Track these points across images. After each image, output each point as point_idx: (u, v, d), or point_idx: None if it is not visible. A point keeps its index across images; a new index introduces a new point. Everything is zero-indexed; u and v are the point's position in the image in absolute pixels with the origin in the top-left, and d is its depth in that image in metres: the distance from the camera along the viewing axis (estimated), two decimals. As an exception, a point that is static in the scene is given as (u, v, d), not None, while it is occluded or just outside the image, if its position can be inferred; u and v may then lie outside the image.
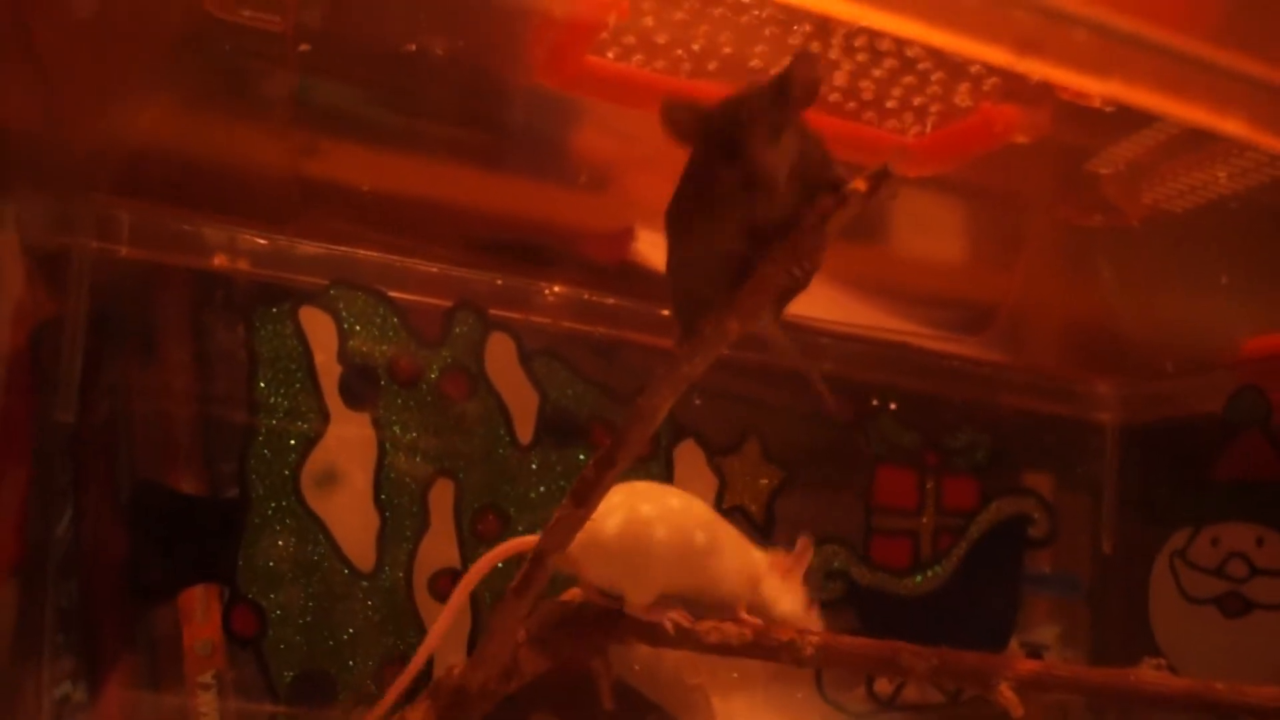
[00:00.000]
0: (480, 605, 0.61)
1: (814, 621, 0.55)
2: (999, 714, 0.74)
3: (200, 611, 0.59)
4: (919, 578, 0.72)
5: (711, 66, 0.59)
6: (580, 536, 0.50)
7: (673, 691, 0.65)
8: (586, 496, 0.50)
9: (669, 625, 0.53)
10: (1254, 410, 0.70)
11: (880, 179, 0.42)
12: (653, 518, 0.54)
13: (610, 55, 0.58)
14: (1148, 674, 0.51)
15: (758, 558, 0.55)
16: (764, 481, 0.69)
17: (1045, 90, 0.58)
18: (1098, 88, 0.43)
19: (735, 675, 0.66)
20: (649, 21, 0.56)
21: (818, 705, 0.68)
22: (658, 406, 0.47)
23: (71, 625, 0.57)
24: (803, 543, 0.56)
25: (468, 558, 0.61)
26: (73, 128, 0.59)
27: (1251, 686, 0.51)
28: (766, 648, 0.54)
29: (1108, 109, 0.57)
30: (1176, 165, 0.66)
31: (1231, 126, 0.45)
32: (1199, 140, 0.63)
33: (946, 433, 0.74)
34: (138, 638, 0.59)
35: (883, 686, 0.69)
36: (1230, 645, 0.69)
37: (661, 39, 0.57)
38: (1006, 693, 0.51)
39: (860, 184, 0.42)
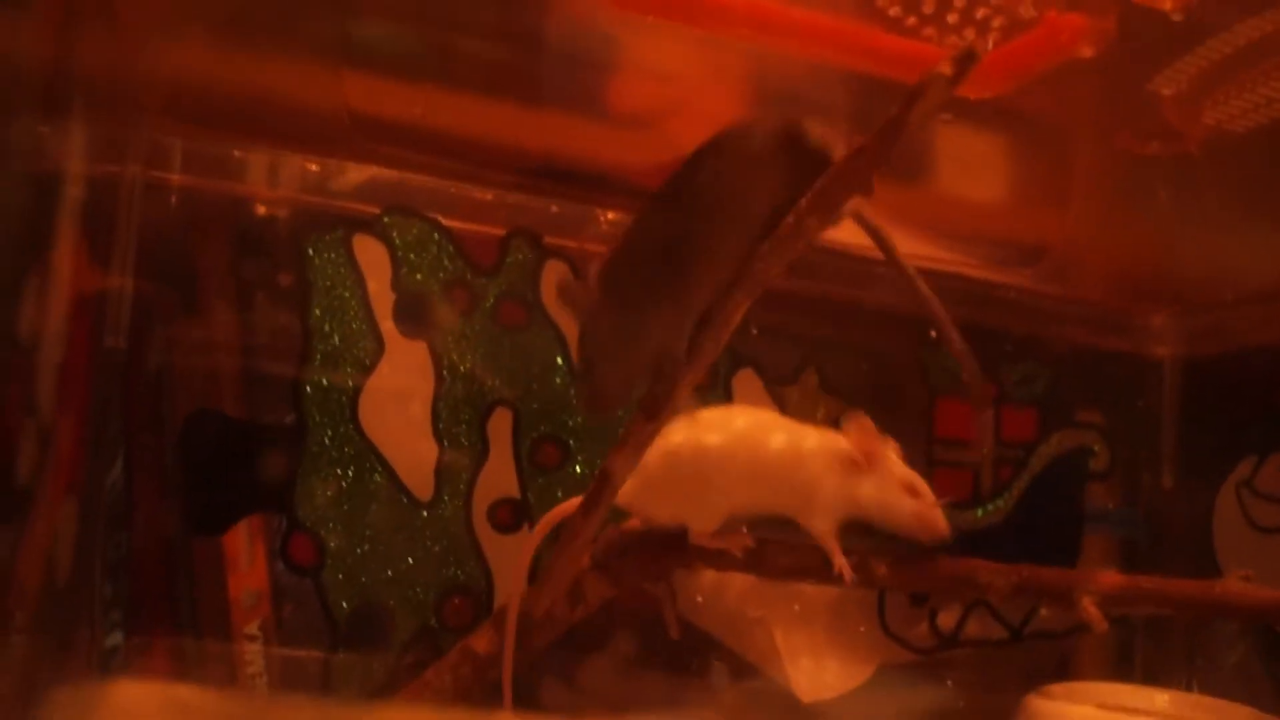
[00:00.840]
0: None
1: (927, 494, 0.51)
2: (1058, 652, 0.73)
3: (246, 561, 0.58)
4: (980, 511, 0.70)
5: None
6: (632, 480, 0.49)
7: (735, 625, 0.63)
8: (657, 410, 0.48)
9: (737, 550, 0.52)
10: (1322, 333, 0.69)
11: (966, 61, 0.41)
12: (707, 444, 0.52)
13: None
14: (1235, 585, 0.50)
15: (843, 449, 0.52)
16: (822, 411, 0.67)
17: (1112, -1, 0.56)
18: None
19: (797, 608, 0.65)
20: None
21: (879, 639, 0.67)
22: (731, 313, 0.46)
23: (121, 576, 0.56)
24: (857, 421, 0.52)
25: (527, 487, 0.60)
26: (129, 55, 0.58)
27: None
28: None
29: (1177, 17, 0.56)
30: (1240, 82, 0.65)
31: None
32: (1262, 53, 0.62)
33: (1005, 364, 0.73)
34: (184, 588, 0.58)
35: (945, 621, 0.68)
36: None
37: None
38: (1090, 608, 0.50)
39: (945, 66, 0.41)
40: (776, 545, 0.54)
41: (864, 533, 0.66)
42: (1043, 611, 0.71)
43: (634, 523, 0.57)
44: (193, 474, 0.56)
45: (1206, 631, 0.73)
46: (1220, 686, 0.64)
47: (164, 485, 0.57)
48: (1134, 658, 0.76)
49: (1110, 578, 0.51)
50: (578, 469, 0.61)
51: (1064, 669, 0.73)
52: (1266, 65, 0.63)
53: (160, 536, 0.58)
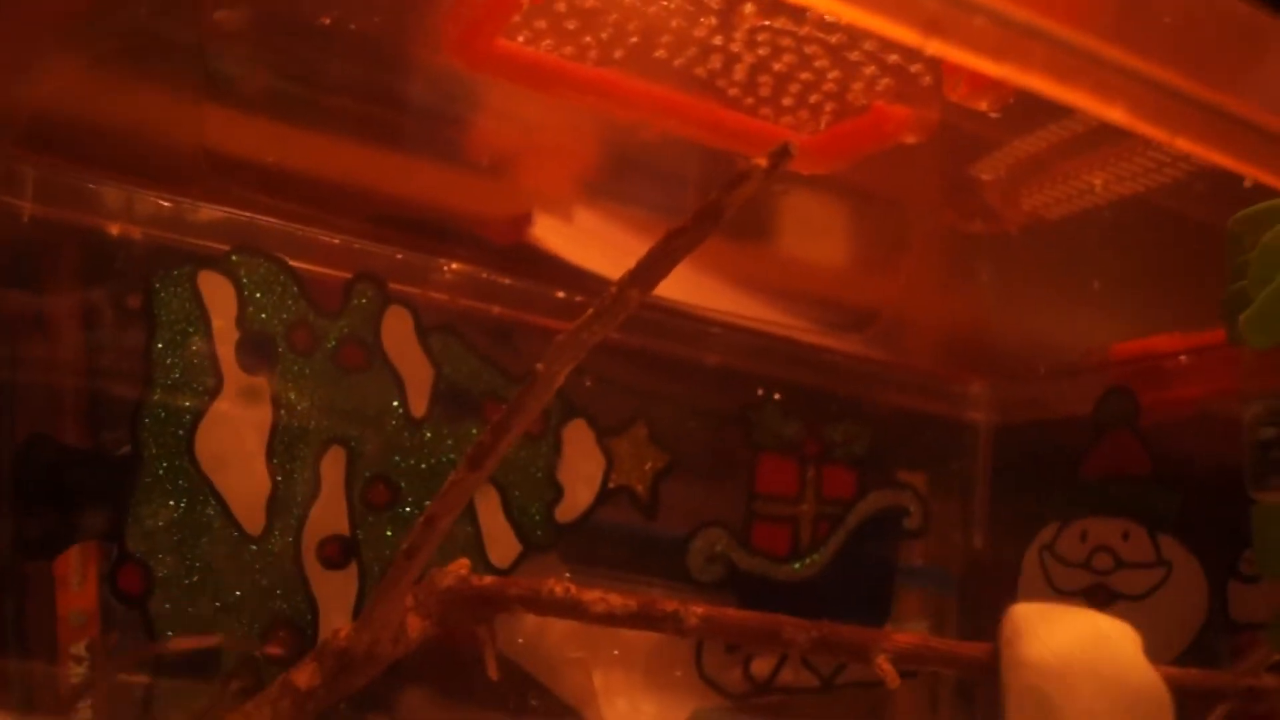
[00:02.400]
0: (368, 574, 0.62)
1: None
2: (867, 702, 0.77)
3: (76, 580, 0.59)
4: (798, 564, 0.74)
5: (618, 55, 0.60)
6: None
7: (555, 665, 0.66)
8: (481, 461, 0.51)
9: (557, 589, 0.55)
10: (1122, 410, 0.73)
11: (780, 156, 0.44)
12: None
13: (521, 39, 0.60)
14: (1017, 649, 0.54)
15: None
16: (649, 465, 0.70)
17: (934, 93, 0.60)
18: (994, 70, 0.46)
19: (616, 652, 0.67)
20: (561, 7, 0.57)
21: (695, 684, 0.69)
22: (556, 372, 0.49)
23: None
24: None
25: (357, 525, 0.62)
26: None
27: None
28: (652, 618, 0.55)
29: (993, 114, 0.60)
30: (1054, 172, 0.70)
31: (1114, 115, 0.48)
32: (1077, 147, 0.66)
33: (828, 424, 0.76)
34: (11, 608, 0.58)
35: (759, 668, 0.71)
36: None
37: (572, 25, 0.59)
38: (884, 665, 0.53)
39: (761, 160, 0.44)
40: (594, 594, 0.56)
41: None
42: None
43: (461, 563, 0.59)
44: (25, 498, 0.57)
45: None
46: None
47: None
48: (941, 713, 0.80)
49: (903, 637, 0.54)
50: (406, 509, 0.63)
51: (874, 718, 0.77)
52: (1078, 160, 0.68)
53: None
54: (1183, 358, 0.73)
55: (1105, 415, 0.74)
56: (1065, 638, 0.49)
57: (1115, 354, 0.76)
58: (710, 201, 0.45)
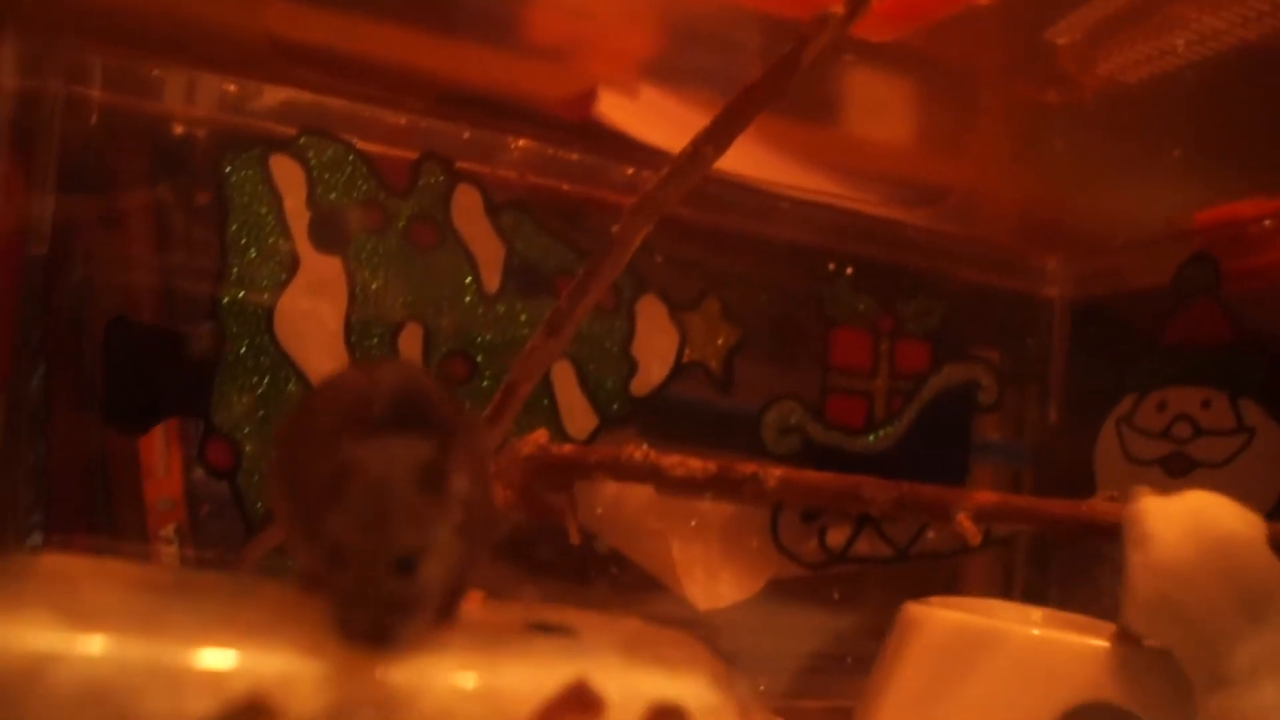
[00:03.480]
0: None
1: None
2: (942, 573, 0.77)
3: (161, 469, 0.60)
4: (872, 437, 0.74)
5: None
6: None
7: (634, 536, 0.66)
8: (558, 327, 0.51)
9: (636, 454, 0.55)
10: (1203, 278, 0.72)
11: (858, 2, 0.43)
12: None
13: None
14: (1101, 504, 0.53)
15: None
16: (721, 340, 0.70)
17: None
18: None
19: (693, 524, 0.67)
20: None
21: (771, 554, 0.70)
22: (632, 235, 0.49)
23: (40, 480, 0.58)
24: None
25: (436, 400, 0.62)
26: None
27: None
28: (730, 481, 0.56)
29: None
30: (1134, 33, 0.68)
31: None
32: (1154, 7, 0.65)
33: (900, 299, 0.76)
34: (102, 493, 0.59)
35: (834, 538, 0.71)
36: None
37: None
38: (965, 522, 0.53)
39: (838, 5, 0.43)
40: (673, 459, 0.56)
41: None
42: (929, 534, 0.74)
43: (540, 434, 0.59)
44: (113, 379, 0.58)
45: (1087, 562, 0.76)
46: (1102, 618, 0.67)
47: (83, 392, 0.59)
48: (1016, 583, 0.80)
49: (984, 495, 0.54)
50: (484, 383, 0.63)
51: (949, 589, 0.77)
52: (1157, 19, 0.66)
53: (79, 442, 0.59)
54: (1267, 222, 0.71)
55: (1185, 284, 0.73)
56: (1198, 540, 0.48)
57: (1196, 222, 0.75)
58: (786, 54, 0.45)
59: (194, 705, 0.28)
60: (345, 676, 0.29)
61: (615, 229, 0.49)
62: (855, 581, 0.73)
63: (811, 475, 0.56)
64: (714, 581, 0.68)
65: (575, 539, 0.59)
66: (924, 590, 0.61)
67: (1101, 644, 0.49)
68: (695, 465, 0.56)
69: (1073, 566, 0.77)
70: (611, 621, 0.37)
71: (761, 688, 0.69)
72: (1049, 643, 0.51)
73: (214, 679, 0.28)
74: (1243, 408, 0.69)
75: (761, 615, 0.70)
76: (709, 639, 0.68)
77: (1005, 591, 0.79)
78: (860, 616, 0.73)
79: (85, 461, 0.59)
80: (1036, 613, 0.63)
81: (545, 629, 0.34)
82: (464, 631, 0.32)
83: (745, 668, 0.69)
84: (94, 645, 0.28)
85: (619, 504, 0.65)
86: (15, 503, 0.57)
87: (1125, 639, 0.48)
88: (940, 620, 0.54)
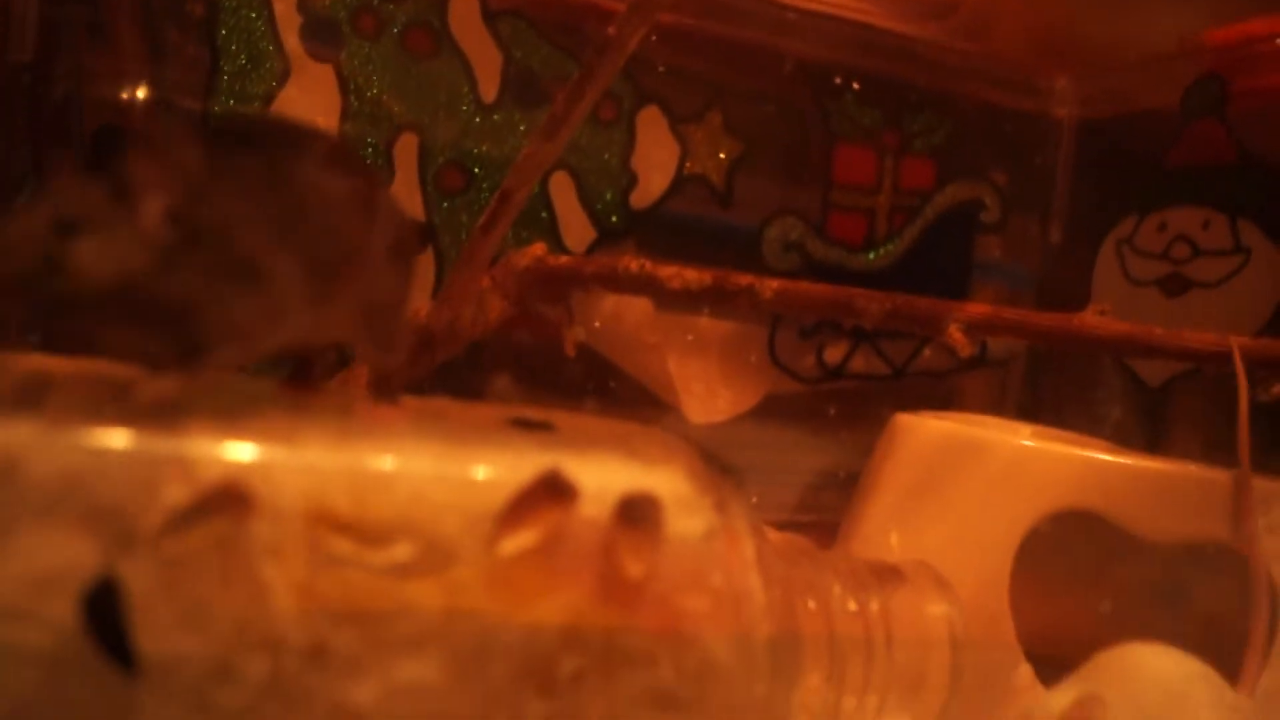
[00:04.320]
0: (445, 259, 0.62)
1: None
2: (939, 391, 0.78)
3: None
4: (873, 254, 0.73)
5: None
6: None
7: (631, 350, 0.67)
8: (554, 131, 0.50)
9: (633, 265, 0.55)
10: (1210, 98, 0.71)
11: None
12: None
13: None
14: (1091, 318, 0.54)
15: None
16: (723, 154, 0.69)
17: None
18: None
19: (690, 338, 0.68)
20: None
21: (769, 369, 0.70)
22: (629, 36, 0.48)
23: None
24: None
25: (432, 211, 0.62)
26: None
27: (1189, 332, 0.54)
28: (727, 292, 0.56)
29: None
30: None
31: None
32: None
33: (907, 114, 0.75)
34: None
35: (832, 355, 0.72)
36: (1168, 323, 0.71)
37: None
38: (956, 334, 0.53)
39: None
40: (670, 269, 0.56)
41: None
42: (926, 352, 0.74)
43: (538, 246, 0.59)
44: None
45: (1084, 384, 0.77)
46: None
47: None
48: (1010, 403, 0.81)
49: (976, 307, 0.54)
50: (482, 194, 0.63)
51: (946, 408, 0.77)
52: None
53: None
54: (1279, 40, 0.70)
55: (1192, 105, 0.72)
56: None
57: (1208, 40, 0.73)
58: None
59: (170, 494, 0.28)
60: (320, 463, 0.29)
61: (610, 30, 0.48)
62: (852, 399, 0.74)
63: (807, 286, 0.56)
64: (711, 396, 0.69)
65: (571, 351, 0.59)
66: (920, 408, 0.62)
67: (1082, 453, 0.50)
68: (691, 276, 0.56)
69: (1067, 388, 0.78)
70: (596, 420, 0.38)
71: (755, 500, 0.70)
72: (1030, 451, 0.51)
73: (188, 467, 0.29)
74: (1241, 229, 0.68)
75: (758, 431, 0.71)
76: (715, 453, 0.70)
77: (1000, 411, 0.79)
78: (856, 433, 0.73)
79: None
80: (1026, 428, 0.64)
81: (525, 424, 0.34)
82: (443, 423, 0.33)
83: (741, 482, 0.70)
84: (68, 438, 0.28)
85: (616, 318, 0.66)
86: (8, 323, 0.58)
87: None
88: (926, 428, 0.55)
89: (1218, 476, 0.51)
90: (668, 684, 0.32)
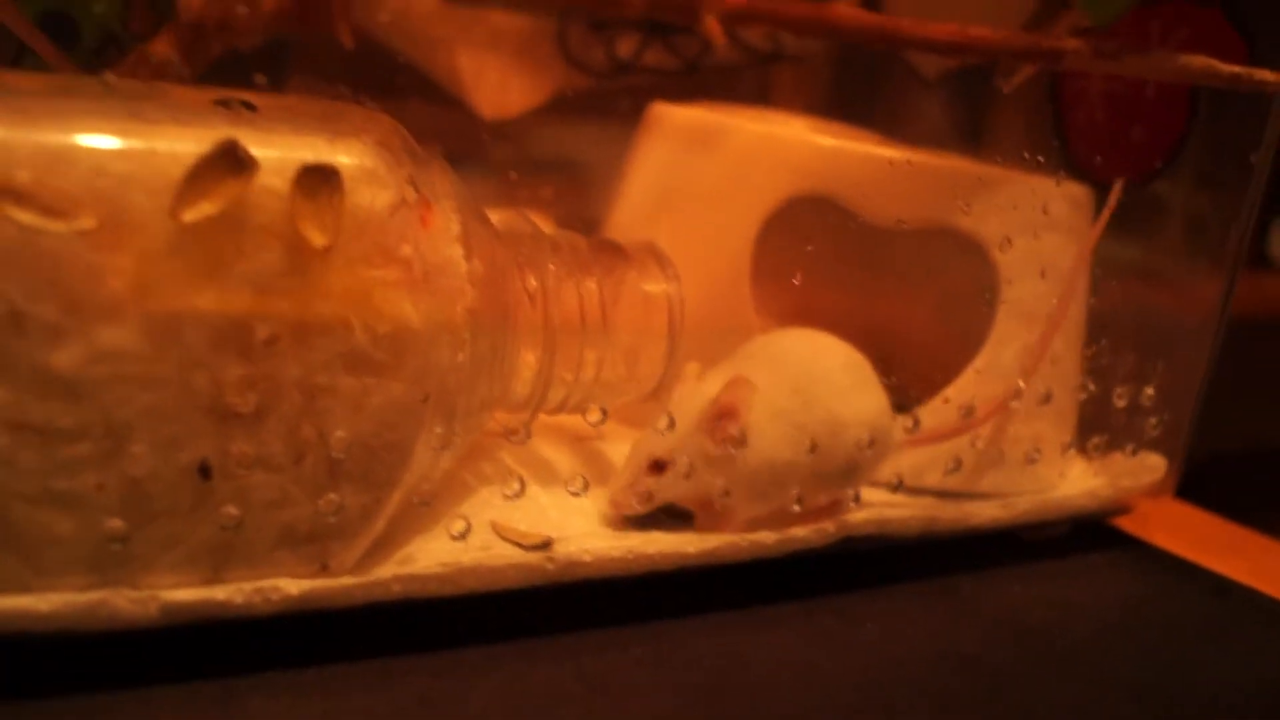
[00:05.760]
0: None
1: None
2: (733, 88, 0.79)
3: None
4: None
5: None
6: None
7: (422, 45, 0.67)
8: None
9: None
10: None
11: None
12: None
13: None
14: (843, 8, 0.55)
15: None
16: None
17: None
18: None
19: (481, 33, 0.68)
20: None
21: (559, 63, 0.71)
22: None
23: None
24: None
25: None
26: None
27: (934, 23, 0.55)
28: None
29: None
30: None
31: None
32: None
33: None
34: None
35: (623, 49, 0.72)
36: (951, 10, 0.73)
37: None
38: (712, 24, 0.55)
39: None
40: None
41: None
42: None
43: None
44: None
45: (877, 80, 0.79)
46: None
47: None
48: (815, 101, 0.83)
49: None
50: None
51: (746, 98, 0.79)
52: None
53: None
54: None
55: None
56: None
57: None
58: None
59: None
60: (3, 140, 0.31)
61: None
62: (648, 94, 0.75)
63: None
64: (502, 91, 0.70)
65: (348, 42, 0.60)
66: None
67: (822, 140, 0.53)
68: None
69: (861, 84, 0.80)
70: (306, 101, 0.39)
71: (545, 194, 0.72)
72: (771, 137, 0.54)
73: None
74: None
75: (552, 127, 0.72)
76: (507, 150, 0.71)
77: (804, 108, 0.81)
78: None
79: None
80: (800, 122, 0.66)
81: (225, 104, 0.36)
82: (136, 99, 0.34)
83: (534, 177, 0.72)
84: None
85: (405, 13, 0.66)
86: None
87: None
88: (675, 116, 0.57)
89: (943, 163, 0.54)
90: (361, 348, 0.35)
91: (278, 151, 0.33)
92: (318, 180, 0.33)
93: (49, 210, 0.31)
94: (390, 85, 0.67)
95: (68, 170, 0.31)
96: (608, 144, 0.74)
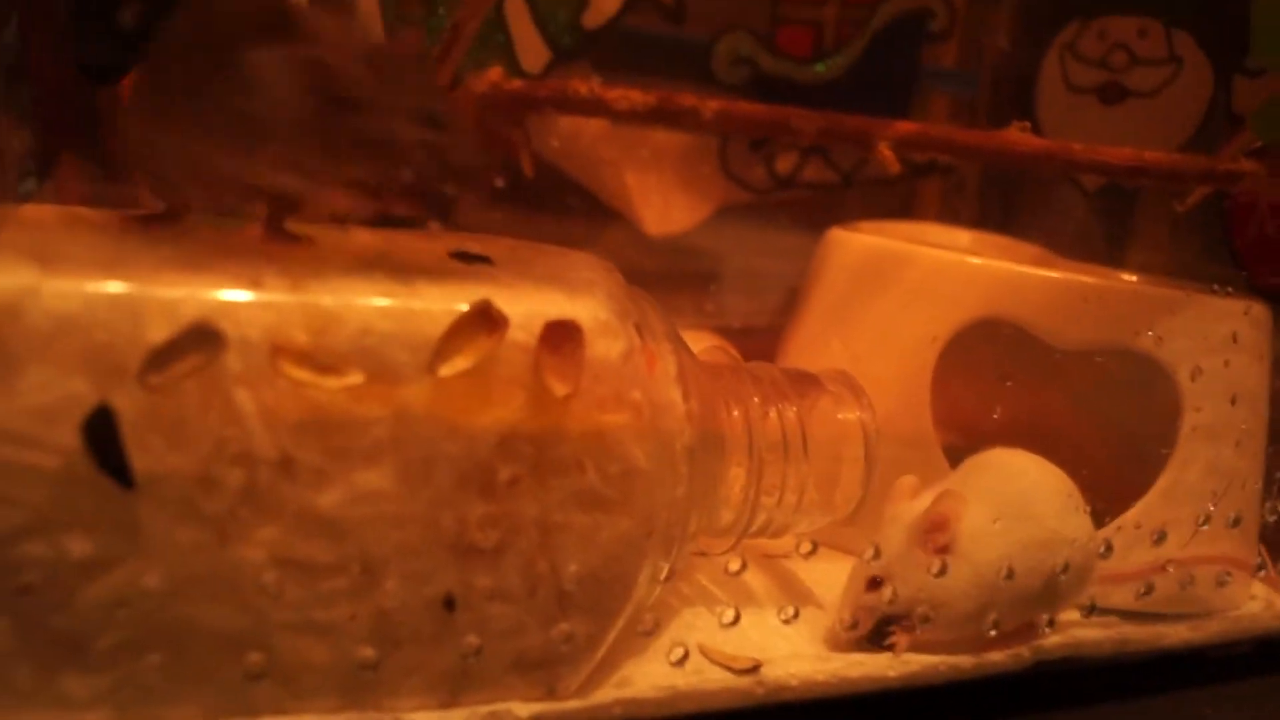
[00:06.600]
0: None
1: None
2: (888, 198, 0.81)
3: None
4: (821, 66, 0.76)
5: None
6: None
7: (590, 166, 0.70)
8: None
9: (582, 88, 0.58)
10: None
11: None
12: None
13: None
14: (1013, 134, 0.57)
15: None
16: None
17: None
18: None
19: (645, 153, 0.71)
20: None
21: (721, 181, 0.74)
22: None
23: (27, 125, 0.60)
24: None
25: (392, 35, 0.65)
26: None
27: (1106, 146, 0.57)
28: (671, 112, 0.59)
29: None
30: None
31: None
32: None
33: (852, -75, 0.76)
34: (91, 137, 0.62)
35: (782, 165, 0.75)
36: (1104, 130, 0.74)
37: None
38: (885, 151, 0.57)
39: None
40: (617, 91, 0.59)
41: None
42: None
43: (494, 72, 0.62)
44: (85, 32, 0.60)
45: (1030, 190, 0.80)
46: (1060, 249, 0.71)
47: (60, 39, 0.61)
48: (963, 209, 0.84)
49: (904, 125, 0.57)
50: (439, 20, 0.65)
51: (900, 216, 0.81)
52: None
53: (60, 88, 0.61)
54: None
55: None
56: None
57: None
58: None
59: (153, 333, 0.33)
60: (279, 302, 0.34)
61: None
62: (805, 208, 0.77)
63: (746, 106, 0.59)
64: (666, 208, 0.72)
65: (529, 172, 0.63)
66: (872, 216, 0.65)
67: (997, 264, 0.54)
68: (637, 97, 0.59)
69: (1014, 194, 0.81)
70: (531, 248, 0.42)
71: (709, 307, 0.74)
72: (947, 263, 0.55)
73: (168, 309, 0.33)
74: (1175, 37, 0.71)
75: (714, 240, 0.74)
76: (672, 263, 0.73)
77: (953, 217, 0.83)
78: (808, 241, 0.77)
79: (71, 106, 0.62)
80: (965, 235, 0.67)
81: (464, 257, 0.38)
82: (388, 260, 0.37)
83: (698, 290, 0.74)
84: (64, 284, 0.32)
85: (575, 136, 0.69)
86: (4, 150, 0.61)
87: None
88: (854, 243, 0.59)
89: (1121, 286, 0.55)
90: (594, 488, 0.37)
91: (524, 308, 0.36)
92: (561, 335, 0.36)
93: (322, 368, 0.33)
94: (563, 205, 0.70)
95: (338, 330, 0.34)
96: (767, 255, 0.76)
